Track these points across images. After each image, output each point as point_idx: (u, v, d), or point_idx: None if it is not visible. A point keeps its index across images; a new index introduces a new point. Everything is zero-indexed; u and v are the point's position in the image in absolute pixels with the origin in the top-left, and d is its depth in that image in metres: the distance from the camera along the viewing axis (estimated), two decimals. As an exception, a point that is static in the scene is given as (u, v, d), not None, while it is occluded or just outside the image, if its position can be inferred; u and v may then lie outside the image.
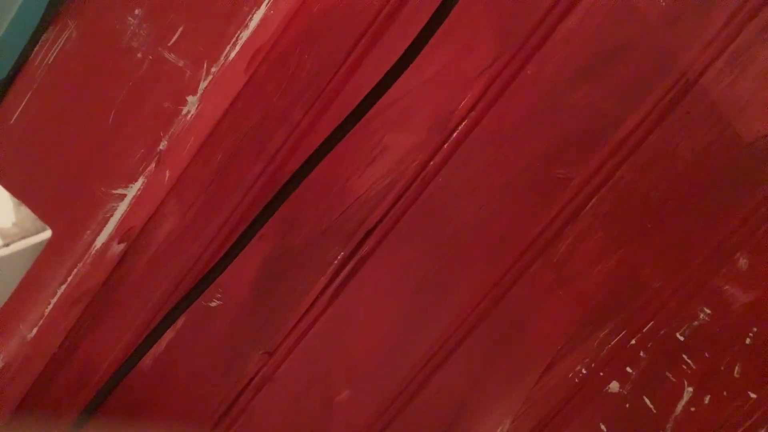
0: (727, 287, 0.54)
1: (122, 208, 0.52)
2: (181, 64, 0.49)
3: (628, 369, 0.56)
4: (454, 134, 0.54)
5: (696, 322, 0.55)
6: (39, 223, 0.24)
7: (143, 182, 0.52)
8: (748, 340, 0.54)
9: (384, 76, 0.48)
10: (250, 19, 0.48)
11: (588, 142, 0.52)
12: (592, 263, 0.55)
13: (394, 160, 0.55)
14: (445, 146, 0.54)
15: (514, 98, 0.53)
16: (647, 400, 0.56)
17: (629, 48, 0.51)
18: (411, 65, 0.49)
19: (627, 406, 0.56)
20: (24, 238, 0.23)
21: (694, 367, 0.55)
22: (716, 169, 0.52)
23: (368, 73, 0.52)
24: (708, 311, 0.54)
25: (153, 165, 0.51)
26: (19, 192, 0.49)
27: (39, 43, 0.51)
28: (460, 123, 0.54)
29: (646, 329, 0.55)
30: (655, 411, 0.56)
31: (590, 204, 0.53)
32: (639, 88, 0.51)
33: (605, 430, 0.57)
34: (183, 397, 0.62)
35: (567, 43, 0.51)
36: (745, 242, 0.53)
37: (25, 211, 0.25)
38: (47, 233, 0.24)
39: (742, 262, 0.53)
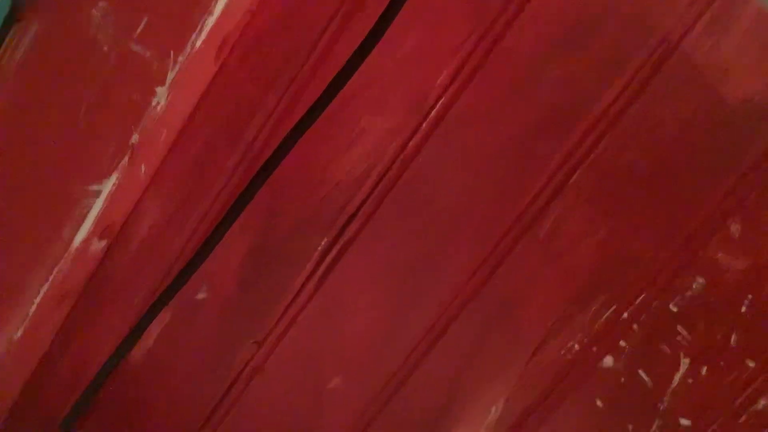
0: (720, 255, 0.53)
1: (98, 204, 0.52)
2: (147, 55, 0.48)
3: (622, 343, 0.55)
4: (432, 113, 0.53)
5: (689, 293, 0.54)
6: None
7: (118, 177, 0.51)
8: (743, 308, 0.53)
9: (354, 54, 0.46)
10: (215, 4, 0.47)
11: (568, 115, 0.51)
12: (580, 238, 0.53)
13: (372, 143, 0.54)
14: (424, 126, 0.53)
15: (491, 74, 0.51)
16: (643, 374, 0.55)
17: (606, 16, 0.49)
18: (383, 42, 0.48)
19: (622, 380, 0.56)
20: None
21: (689, 338, 0.54)
22: (702, 135, 0.51)
23: (342, 55, 0.51)
24: (701, 281, 0.53)
25: (126, 159, 0.50)
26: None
27: (4, 43, 0.50)
28: (437, 102, 0.52)
29: (638, 302, 0.54)
30: (651, 384, 0.55)
31: (573, 178, 0.52)
32: (618, 56, 0.50)
33: (601, 406, 0.56)
34: (175, 391, 0.61)
35: (542, 14, 0.50)
36: (737, 208, 0.52)
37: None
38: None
39: (734, 229, 0.52)
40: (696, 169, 0.51)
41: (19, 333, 0.56)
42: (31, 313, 0.55)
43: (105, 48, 0.49)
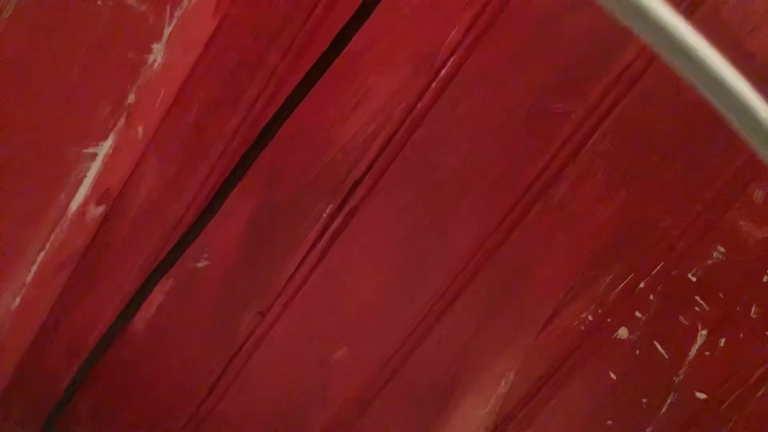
0: (741, 223, 0.51)
1: (95, 168, 0.50)
2: (143, 9, 0.46)
3: (638, 314, 0.53)
4: (442, 72, 0.50)
5: (709, 262, 0.52)
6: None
7: (114, 139, 0.49)
8: (765, 278, 0.51)
9: (360, 7, 0.44)
10: (212, -45, 0.44)
11: (587, 73, 0.49)
12: (596, 203, 0.51)
13: (379, 104, 0.51)
14: (433, 85, 0.51)
15: (505, 29, 0.49)
16: (659, 346, 0.54)
17: (628, -34, 0.46)
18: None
19: (637, 352, 0.54)
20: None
21: (707, 308, 0.52)
22: (727, 95, 0.48)
23: (347, 8, 0.48)
24: (722, 249, 0.51)
25: (123, 120, 0.48)
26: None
27: (-6, -4, 0.48)
28: (447, 59, 0.50)
29: (655, 271, 0.52)
30: (667, 357, 0.54)
31: (591, 140, 0.50)
32: (640, 10, 0.47)
33: (615, 378, 0.55)
34: (178, 361, 0.60)
35: (559, -35, 0.47)
36: (760, 173, 0.49)
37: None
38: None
39: (758, 195, 0.50)
40: (719, 130, 0.49)
41: (17, 302, 0.55)
42: (28, 282, 0.54)
43: (98, 2, 0.46)
